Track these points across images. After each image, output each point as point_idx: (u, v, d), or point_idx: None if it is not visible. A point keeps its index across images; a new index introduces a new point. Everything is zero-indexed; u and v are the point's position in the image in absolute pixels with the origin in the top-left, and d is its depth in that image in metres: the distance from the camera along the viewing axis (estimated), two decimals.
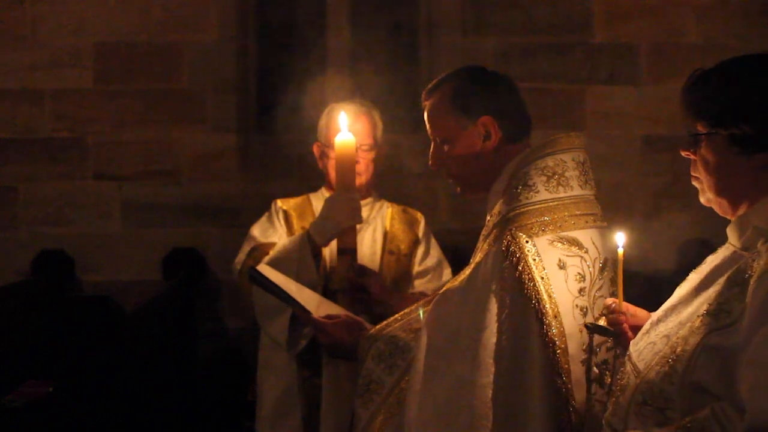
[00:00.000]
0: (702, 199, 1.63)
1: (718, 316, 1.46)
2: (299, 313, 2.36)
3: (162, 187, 4.32)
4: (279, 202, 3.05)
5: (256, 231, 2.98)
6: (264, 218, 3.04)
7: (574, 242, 1.84)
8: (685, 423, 1.42)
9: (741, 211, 1.57)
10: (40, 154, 4.28)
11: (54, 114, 4.28)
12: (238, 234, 3.15)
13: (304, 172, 3.77)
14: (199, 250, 4.31)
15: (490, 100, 2.00)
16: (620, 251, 1.72)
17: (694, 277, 1.64)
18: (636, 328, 1.70)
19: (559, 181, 1.89)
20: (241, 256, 2.92)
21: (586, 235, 1.87)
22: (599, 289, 1.84)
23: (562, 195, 1.88)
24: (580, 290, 1.82)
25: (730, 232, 1.60)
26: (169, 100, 4.31)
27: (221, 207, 4.31)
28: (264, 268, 2.43)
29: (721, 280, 1.51)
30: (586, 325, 1.76)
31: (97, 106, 4.29)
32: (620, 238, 1.74)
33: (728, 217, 1.61)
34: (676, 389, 1.46)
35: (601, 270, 1.85)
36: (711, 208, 1.64)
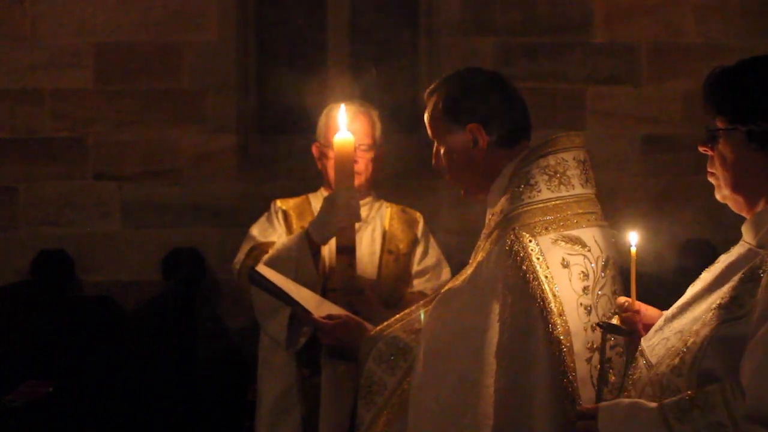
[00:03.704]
0: (718, 196, 1.64)
1: (730, 308, 1.47)
2: (300, 313, 2.36)
3: (162, 187, 4.32)
4: (278, 202, 3.06)
5: (256, 231, 2.98)
6: (263, 218, 3.04)
7: (577, 241, 1.85)
8: (691, 394, 1.43)
9: (758, 208, 1.57)
10: (40, 154, 4.28)
11: (54, 114, 4.29)
12: (238, 234, 3.15)
13: (303, 172, 3.77)
14: (199, 250, 4.31)
15: (479, 107, 1.99)
16: (633, 250, 1.73)
17: (707, 276, 1.65)
18: (648, 327, 1.71)
19: (561, 180, 1.89)
20: (240, 256, 2.92)
21: (588, 234, 1.87)
22: (602, 287, 1.84)
23: (564, 194, 1.89)
24: (584, 288, 1.82)
25: (746, 230, 1.61)
26: (169, 100, 4.31)
27: (221, 207, 4.31)
28: (263, 269, 2.42)
29: (736, 277, 1.52)
30: (599, 324, 1.77)
31: (97, 106, 4.29)
32: (633, 237, 1.75)
33: (743, 214, 1.62)
34: (684, 380, 1.48)
35: (604, 268, 1.86)
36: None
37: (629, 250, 1.75)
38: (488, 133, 1.98)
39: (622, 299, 1.76)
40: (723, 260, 1.64)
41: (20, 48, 4.25)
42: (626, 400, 1.54)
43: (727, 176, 1.59)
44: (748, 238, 1.60)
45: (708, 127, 1.60)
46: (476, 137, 1.98)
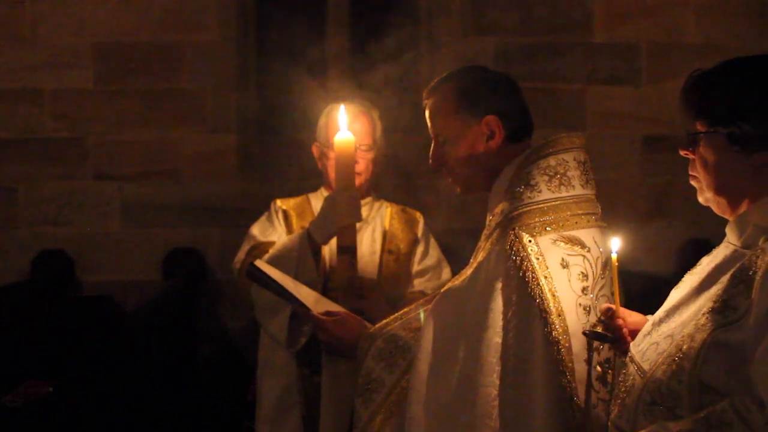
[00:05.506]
0: (700, 199, 1.64)
1: (724, 312, 1.46)
2: (298, 309, 2.36)
3: (162, 187, 4.32)
4: (278, 202, 3.06)
5: (256, 230, 2.99)
6: (263, 218, 3.04)
7: (577, 241, 1.85)
8: (702, 415, 1.41)
9: (741, 210, 1.57)
10: (40, 154, 4.28)
11: (54, 114, 4.29)
12: (238, 234, 3.15)
13: (303, 172, 3.77)
14: (199, 250, 4.31)
15: (494, 100, 2.00)
16: (614, 257, 1.72)
17: (690, 279, 1.64)
18: (633, 333, 1.71)
19: (561, 181, 1.89)
20: (241, 255, 2.92)
21: (588, 234, 1.87)
22: (602, 287, 1.85)
23: (564, 194, 1.89)
24: (583, 289, 1.82)
25: (729, 231, 1.61)
26: (169, 100, 4.31)
27: (221, 207, 4.31)
28: (262, 264, 2.42)
29: (724, 278, 1.51)
30: (584, 332, 1.77)
31: (97, 106, 4.29)
32: (615, 244, 1.74)
33: (726, 217, 1.62)
34: (685, 387, 1.46)
35: (603, 268, 1.86)
36: (710, 209, 1.64)
37: (611, 257, 1.74)
38: (504, 127, 1.98)
39: (605, 306, 1.75)
40: (706, 262, 1.64)
41: (20, 48, 4.26)
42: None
43: (710, 179, 1.58)
44: (732, 239, 1.59)
45: (689, 131, 1.60)
46: (493, 130, 1.98)
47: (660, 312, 1.66)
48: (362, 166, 2.88)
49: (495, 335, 1.80)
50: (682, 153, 1.63)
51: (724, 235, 1.63)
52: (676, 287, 1.67)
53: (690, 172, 1.63)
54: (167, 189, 4.32)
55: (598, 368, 1.80)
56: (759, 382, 1.37)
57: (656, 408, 1.51)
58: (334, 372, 2.44)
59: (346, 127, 2.69)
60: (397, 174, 4.10)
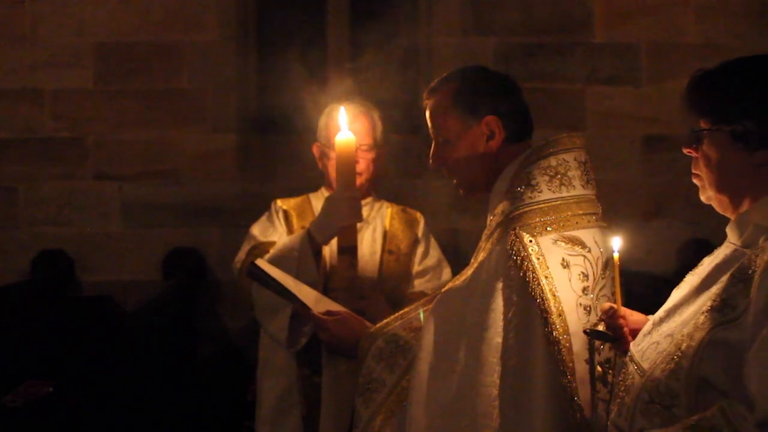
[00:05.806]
0: (702, 197, 1.64)
1: (723, 311, 1.46)
2: (299, 308, 2.36)
3: (162, 187, 4.32)
4: (279, 202, 3.06)
5: (256, 230, 2.98)
6: (264, 218, 3.04)
7: (577, 241, 1.85)
8: (692, 422, 1.41)
9: (742, 208, 1.58)
10: (40, 154, 4.29)
11: (54, 114, 4.29)
12: (238, 234, 3.15)
13: (304, 172, 3.77)
14: (199, 250, 4.31)
15: (494, 100, 2.00)
16: (616, 256, 1.73)
17: (691, 279, 1.65)
18: (634, 332, 1.71)
19: (562, 181, 1.89)
20: (241, 255, 2.92)
21: (588, 235, 1.87)
22: (602, 288, 1.85)
23: (564, 194, 1.89)
24: (584, 289, 1.82)
25: (730, 231, 1.61)
26: (169, 100, 4.32)
27: (221, 207, 4.31)
28: (263, 263, 2.42)
29: (724, 278, 1.51)
30: (584, 331, 1.77)
31: (97, 106, 4.30)
32: (616, 243, 1.74)
33: (728, 215, 1.62)
34: (683, 385, 1.47)
35: (604, 269, 1.86)
36: (710, 208, 1.64)
37: (613, 256, 1.75)
38: (504, 128, 1.98)
39: (606, 305, 1.75)
40: (708, 262, 1.64)
41: (20, 48, 4.26)
42: None
43: (712, 177, 1.59)
44: (733, 238, 1.60)
45: (692, 129, 1.61)
46: (493, 130, 1.98)
47: (660, 311, 1.66)
48: (363, 166, 2.88)
49: (495, 335, 1.80)
50: (685, 151, 1.63)
51: (723, 234, 1.63)
52: (677, 287, 1.68)
53: (693, 170, 1.64)
54: (167, 189, 4.32)
55: (599, 368, 1.80)
56: (750, 380, 1.37)
57: (653, 407, 1.51)
58: (334, 372, 2.44)
59: (346, 127, 2.69)
60: (397, 174, 4.10)
